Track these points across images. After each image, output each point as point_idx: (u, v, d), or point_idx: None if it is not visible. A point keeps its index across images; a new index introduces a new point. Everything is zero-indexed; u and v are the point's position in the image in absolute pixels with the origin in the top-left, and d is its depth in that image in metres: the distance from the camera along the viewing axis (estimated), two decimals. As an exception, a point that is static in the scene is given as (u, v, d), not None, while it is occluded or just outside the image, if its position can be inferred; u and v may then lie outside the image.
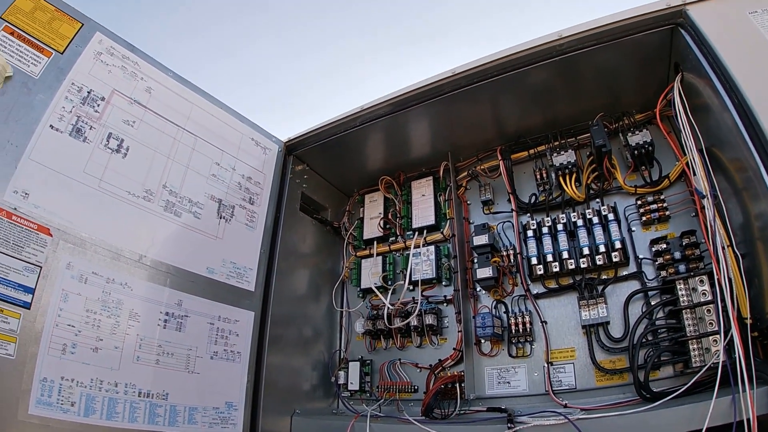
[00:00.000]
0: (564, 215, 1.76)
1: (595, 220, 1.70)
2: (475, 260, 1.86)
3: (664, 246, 1.61)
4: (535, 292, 1.76)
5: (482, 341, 1.78)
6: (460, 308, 1.80)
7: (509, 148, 1.92)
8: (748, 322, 1.24)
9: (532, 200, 1.85)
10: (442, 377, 1.78)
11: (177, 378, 1.60)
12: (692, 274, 1.48)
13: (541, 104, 1.82)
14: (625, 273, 1.66)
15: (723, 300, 1.29)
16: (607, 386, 1.61)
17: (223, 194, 1.84)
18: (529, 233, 1.78)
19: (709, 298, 1.40)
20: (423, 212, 1.99)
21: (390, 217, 2.08)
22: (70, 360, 1.41)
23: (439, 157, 2.02)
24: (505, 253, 1.82)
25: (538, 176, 1.86)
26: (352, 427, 1.70)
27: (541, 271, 1.72)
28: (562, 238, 1.73)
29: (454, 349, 1.79)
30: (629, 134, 1.73)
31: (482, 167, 1.95)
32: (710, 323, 1.38)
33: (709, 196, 1.36)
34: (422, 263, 1.92)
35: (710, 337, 1.37)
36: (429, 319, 1.83)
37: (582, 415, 1.42)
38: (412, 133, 1.99)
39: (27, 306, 1.36)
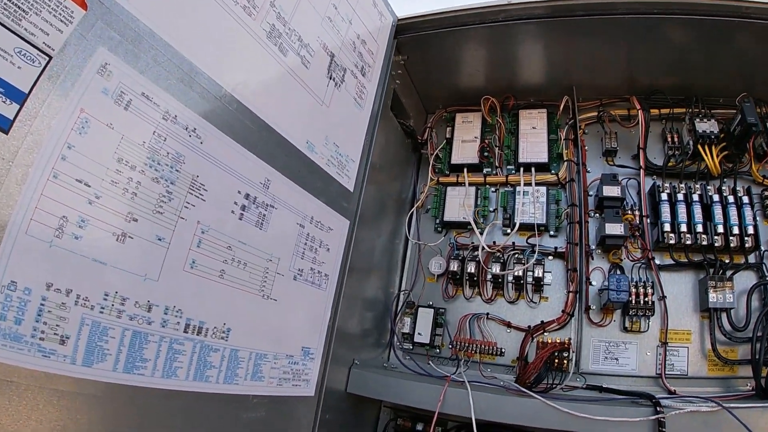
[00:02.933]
0: (699, 186, 1.19)
1: (731, 198, 1.14)
2: (592, 213, 1.23)
3: (784, 244, 1.11)
4: (657, 262, 1.19)
5: (592, 308, 1.18)
6: (575, 265, 1.17)
7: (644, 101, 1.29)
8: None
9: (667, 162, 1.24)
10: (544, 343, 1.15)
11: (246, 304, 0.75)
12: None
13: (680, 65, 1.19)
14: (743, 261, 1.13)
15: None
16: (717, 377, 1.10)
17: (337, 48, 0.96)
18: (663, 196, 1.19)
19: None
20: (533, 147, 1.28)
21: (487, 144, 1.36)
22: (68, 251, 0.53)
23: (557, 90, 1.30)
24: (630, 213, 1.22)
25: (670, 139, 1.27)
26: (445, 393, 1.00)
27: (673, 240, 1.15)
28: (697, 210, 1.14)
29: (563, 311, 1.15)
30: (768, 123, 1.19)
31: (615, 112, 1.30)
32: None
33: None
34: (530, 205, 1.25)
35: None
36: (538, 272, 1.18)
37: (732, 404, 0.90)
38: (535, 53, 1.24)
39: (3, 127, 0.46)
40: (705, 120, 1.21)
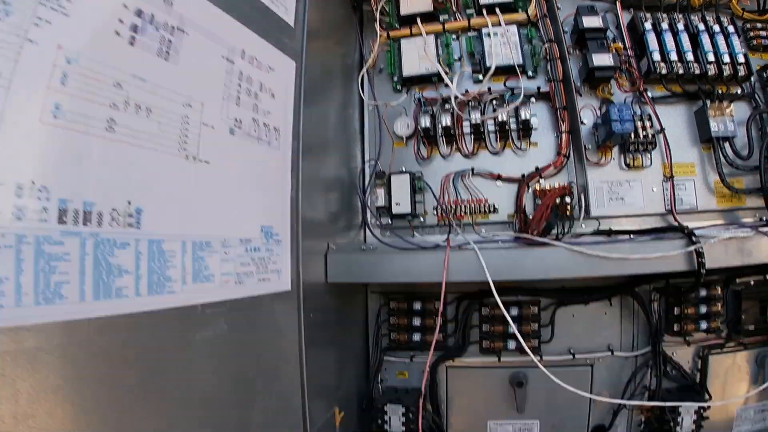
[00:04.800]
0: (681, 17, 1.02)
1: (716, 28, 0.99)
2: (571, 50, 1.02)
3: (772, 75, 1.00)
4: (649, 95, 1.01)
5: (587, 147, 0.98)
6: (564, 103, 0.97)
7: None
8: None
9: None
10: (543, 191, 0.93)
11: (161, 169, 0.44)
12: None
13: None
14: (738, 91, 0.99)
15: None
16: (726, 209, 0.96)
17: None
18: (647, 26, 1.01)
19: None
20: (494, -15, 1.07)
21: (438, -11, 1.11)
22: None
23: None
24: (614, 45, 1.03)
25: (641, -31, 1.11)
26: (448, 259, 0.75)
27: (664, 71, 0.97)
28: (684, 39, 0.98)
29: (558, 153, 0.94)
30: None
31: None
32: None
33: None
34: (500, 47, 1.02)
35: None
36: (524, 113, 0.95)
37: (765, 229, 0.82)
38: None
39: None
40: (675, -53, 1.06)
